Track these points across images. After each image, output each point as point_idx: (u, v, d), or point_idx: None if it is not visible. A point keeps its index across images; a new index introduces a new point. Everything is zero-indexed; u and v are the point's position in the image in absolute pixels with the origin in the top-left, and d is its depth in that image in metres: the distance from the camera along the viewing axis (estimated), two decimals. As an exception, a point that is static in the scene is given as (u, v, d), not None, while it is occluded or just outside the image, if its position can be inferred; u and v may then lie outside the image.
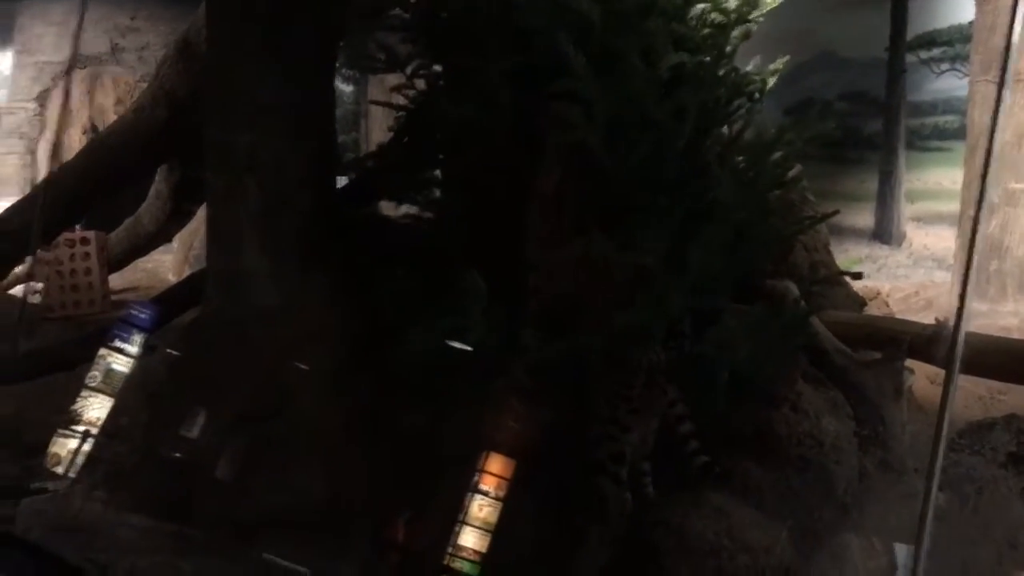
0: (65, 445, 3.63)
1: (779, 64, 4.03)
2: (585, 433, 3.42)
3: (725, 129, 4.03)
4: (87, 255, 7.14)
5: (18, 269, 6.51)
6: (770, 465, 3.59)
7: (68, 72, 9.31)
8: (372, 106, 9.53)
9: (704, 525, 3.12)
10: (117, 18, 11.15)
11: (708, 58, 3.81)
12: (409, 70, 4.19)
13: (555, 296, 3.63)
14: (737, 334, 3.44)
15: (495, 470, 3.30)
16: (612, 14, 3.58)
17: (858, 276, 4.82)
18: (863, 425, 3.52)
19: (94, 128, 9.46)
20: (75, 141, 9.18)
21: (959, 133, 8.12)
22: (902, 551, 3.09)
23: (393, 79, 4.37)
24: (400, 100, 4.38)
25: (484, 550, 3.24)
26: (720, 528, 3.11)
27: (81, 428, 3.64)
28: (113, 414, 3.69)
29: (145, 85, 7.01)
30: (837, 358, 3.70)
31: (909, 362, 3.75)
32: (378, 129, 9.19)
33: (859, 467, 3.50)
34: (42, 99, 9.89)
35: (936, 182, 8.61)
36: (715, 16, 3.97)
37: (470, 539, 3.25)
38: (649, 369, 3.39)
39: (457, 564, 3.23)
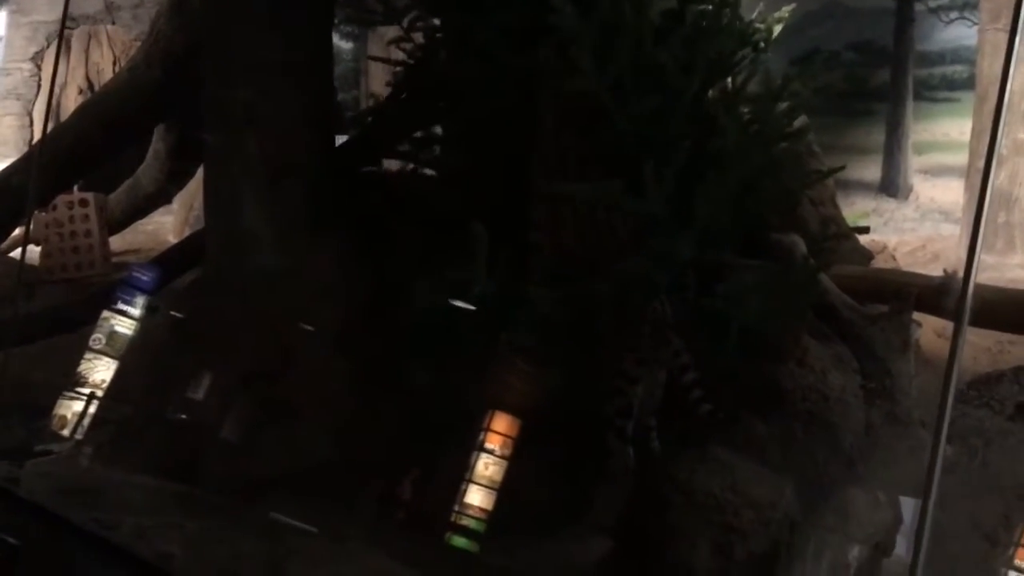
0: (70, 407, 3.66)
1: (784, 13, 3.95)
2: (592, 388, 3.40)
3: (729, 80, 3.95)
4: (87, 217, 7.10)
5: (17, 231, 6.46)
6: (775, 420, 3.56)
7: (62, 31, 9.18)
8: (372, 63, 9.41)
9: (710, 480, 3.11)
10: (111, -25, 11.01)
11: (711, 5, 3.73)
12: (406, 23, 4.11)
13: (559, 248, 3.59)
14: (748, 289, 3.40)
15: (501, 428, 3.31)
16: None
17: (864, 230, 4.78)
18: (870, 379, 3.49)
19: (91, 88, 9.36)
20: (72, 101, 9.09)
21: (968, 83, 8.00)
22: (908, 504, 3.09)
23: (392, 34, 4.30)
24: (398, 55, 4.31)
25: (490, 508, 3.25)
26: (725, 483, 3.09)
27: (86, 390, 3.66)
28: (117, 376, 3.71)
29: (140, 43, 6.92)
30: (844, 312, 3.66)
31: (916, 315, 3.72)
32: (378, 86, 9.08)
33: (866, 421, 3.48)
34: (38, 59, 9.78)
35: (944, 133, 8.50)
36: (719, -38, 3.87)
37: (476, 497, 3.27)
38: (655, 320, 3.37)
39: (464, 522, 3.24)
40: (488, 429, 3.30)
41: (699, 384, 3.31)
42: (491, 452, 3.29)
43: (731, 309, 3.38)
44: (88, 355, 3.72)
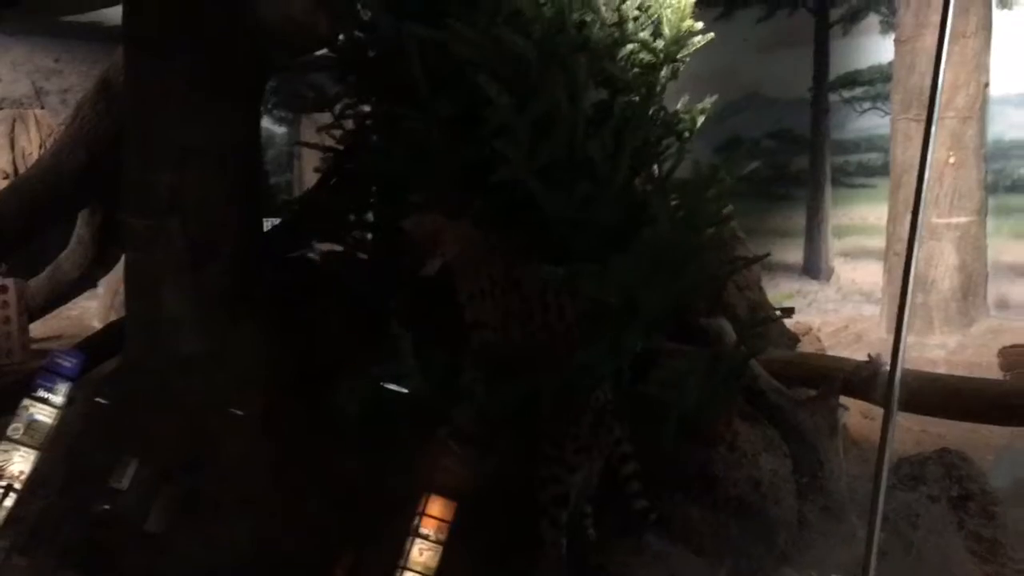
0: (-18, 502, 3.47)
1: (707, 103, 4.06)
2: (529, 474, 3.35)
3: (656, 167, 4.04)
4: (5, 303, 6.89)
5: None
6: (708, 506, 3.56)
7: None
8: (305, 148, 9.43)
9: (644, 572, 3.07)
10: (40, 60, 10.91)
11: (637, 97, 3.82)
12: (337, 110, 4.12)
13: (494, 339, 3.57)
14: (684, 374, 3.41)
15: (436, 513, 3.22)
16: (544, 52, 3.57)
17: (790, 312, 4.86)
18: (800, 464, 3.51)
19: (16, 172, 9.16)
20: (-6, 186, 8.88)
21: (883, 170, 8.35)
22: (841, 588, 3.08)
23: (325, 119, 4.31)
24: (329, 141, 4.32)
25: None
26: (660, 574, 3.05)
27: (3, 483, 3.48)
28: (36, 467, 3.54)
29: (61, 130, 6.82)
30: (772, 396, 3.70)
31: (843, 399, 3.77)
32: (311, 171, 9.09)
33: (798, 507, 3.49)
34: (-40, 142, 9.58)
35: (862, 218, 8.81)
36: (644, 56, 3.99)
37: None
38: (597, 408, 3.35)
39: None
40: (423, 514, 3.22)
41: (638, 476, 3.28)
42: (426, 537, 3.20)
43: (668, 395, 3.38)
44: (5, 445, 3.55)
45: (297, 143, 6.71)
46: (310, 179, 7.23)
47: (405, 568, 3.15)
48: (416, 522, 3.19)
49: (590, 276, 3.45)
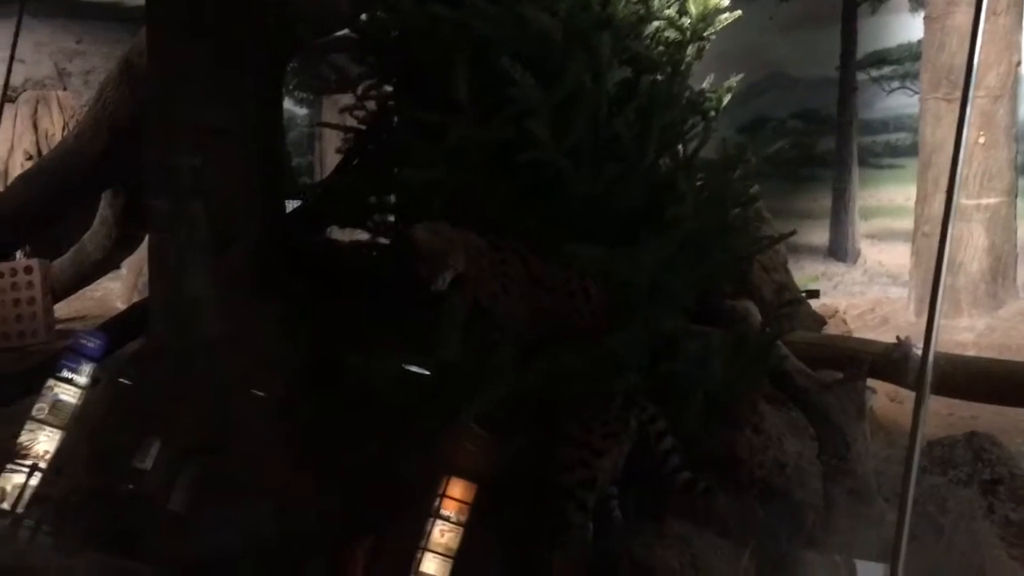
0: (10, 480, 3.51)
1: (733, 82, 4.01)
2: (553, 458, 3.33)
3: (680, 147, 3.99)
4: (30, 284, 6.94)
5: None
6: (733, 490, 3.54)
7: (5, 97, 9.07)
8: (327, 130, 9.43)
9: (668, 555, 3.05)
10: (62, 42, 10.97)
11: (663, 76, 3.77)
12: (360, 91, 4.10)
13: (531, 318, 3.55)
14: (710, 353, 3.38)
15: (457, 495, 3.23)
16: (569, 31, 3.53)
17: (816, 294, 4.82)
18: (827, 447, 3.47)
19: (39, 153, 9.22)
20: (19, 167, 8.94)
21: (911, 150, 8.23)
22: (865, 569, 3.05)
23: (346, 100, 4.29)
24: (351, 122, 4.29)
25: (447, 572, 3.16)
26: (684, 558, 3.04)
27: (28, 462, 3.52)
28: (61, 447, 3.58)
29: (88, 109, 6.85)
30: (799, 379, 3.66)
31: (870, 381, 3.72)
32: (333, 152, 9.08)
33: (823, 490, 3.45)
34: (-17, 123, 9.64)
35: (889, 199, 8.71)
36: (670, 34, 3.94)
37: (431, 565, 3.18)
38: (626, 391, 3.33)
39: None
40: (444, 495, 3.23)
41: (677, 450, 3.25)
42: (447, 519, 3.21)
43: (693, 374, 3.35)
44: (30, 425, 3.59)
45: (319, 123, 6.68)
46: (331, 161, 7.22)
47: (426, 549, 3.17)
48: (437, 504, 3.20)
49: (621, 258, 3.42)
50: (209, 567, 3.31)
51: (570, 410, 3.36)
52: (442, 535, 3.19)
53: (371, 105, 4.13)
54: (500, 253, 3.45)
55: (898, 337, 3.99)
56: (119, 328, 4.72)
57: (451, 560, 3.18)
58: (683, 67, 3.89)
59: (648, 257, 3.44)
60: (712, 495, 3.27)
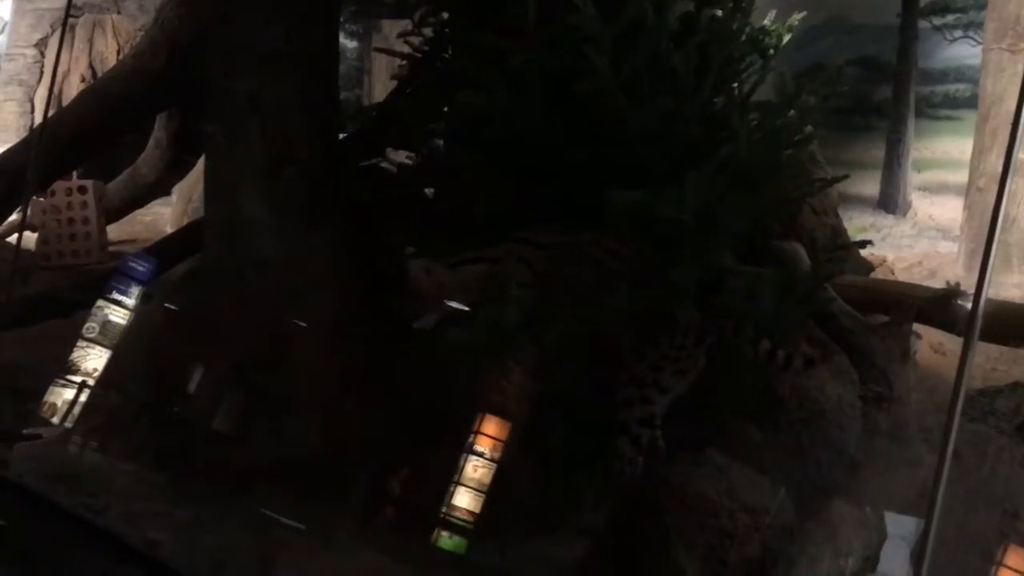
0: (60, 395, 3.64)
1: (796, 20, 3.95)
2: (616, 395, 3.39)
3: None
4: (85, 204, 7.07)
5: (14, 216, 6.42)
6: (771, 427, 3.56)
7: (67, 19, 9.15)
8: (375, 63, 9.40)
9: (704, 484, 3.10)
10: (119, -35, 10.97)
11: (723, 12, 3.72)
12: (417, 17, 4.09)
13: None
14: (761, 291, 3.39)
15: (492, 431, 3.28)
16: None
17: (864, 244, 4.77)
18: (868, 388, 3.48)
19: (94, 76, 9.30)
20: (74, 89, 9.02)
21: (970, 102, 8.01)
22: (893, 521, 3.06)
23: (398, 31, 4.28)
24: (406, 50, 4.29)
25: (482, 506, 3.23)
26: (720, 487, 3.08)
27: (77, 378, 3.63)
28: (109, 365, 3.68)
29: (144, 32, 6.89)
30: (844, 321, 3.65)
31: (916, 327, 3.71)
32: (381, 86, 9.07)
33: (862, 431, 3.47)
34: (41, 46, 9.73)
35: (944, 151, 8.50)
36: (732, -32, 3.87)
37: (467, 496, 3.25)
38: (698, 326, 3.36)
39: (454, 520, 3.22)
40: (478, 432, 3.28)
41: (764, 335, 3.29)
42: (481, 455, 3.27)
43: (742, 310, 3.36)
44: (80, 343, 3.70)
45: (376, 49, 6.64)
46: (379, 96, 7.21)
47: (459, 484, 3.24)
48: (471, 439, 3.26)
49: (663, 198, 3.41)
50: (254, 482, 3.40)
51: (637, 350, 3.39)
52: (475, 470, 3.25)
53: (427, 32, 4.13)
54: (498, 265, 3.52)
55: (947, 283, 3.96)
56: (167, 251, 4.83)
57: (487, 491, 3.24)
58: (744, 2, 3.83)
59: (695, 194, 3.43)
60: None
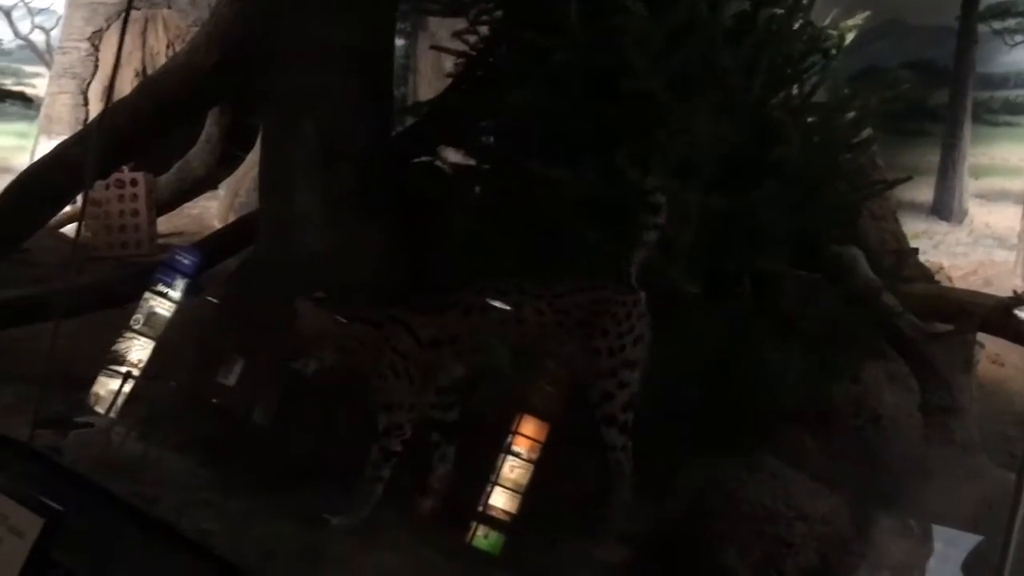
0: (106, 385, 3.68)
1: (859, 19, 3.87)
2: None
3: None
4: (135, 196, 7.17)
5: (67, 209, 6.51)
6: (825, 434, 3.51)
7: (121, 13, 9.27)
8: (421, 62, 9.42)
9: (760, 490, 3.05)
10: (173, -38, 11.10)
11: (783, 10, 3.67)
12: (472, 15, 4.08)
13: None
14: (816, 297, 3.34)
15: (530, 433, 3.25)
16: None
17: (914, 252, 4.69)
18: (931, 398, 3.40)
19: (146, 71, 9.41)
20: (127, 84, 9.13)
21: (1030, 108, 7.87)
22: (942, 535, 2.98)
23: (445, 30, 4.27)
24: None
25: (527, 505, 3.22)
26: (777, 494, 3.03)
27: (123, 368, 3.67)
28: (155, 356, 3.71)
29: (197, 30, 6.95)
30: (906, 328, 3.57)
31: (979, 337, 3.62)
32: (426, 84, 9.08)
33: (922, 442, 3.40)
34: (95, 39, 9.85)
35: (1003, 158, 8.32)
36: (792, -34, 3.81)
37: (506, 497, 3.24)
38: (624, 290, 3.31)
39: (493, 514, 3.21)
40: (517, 432, 3.25)
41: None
42: (517, 455, 3.25)
43: (795, 311, 3.32)
44: (127, 334, 3.74)
45: (432, 47, 6.63)
46: (424, 95, 7.21)
47: (496, 484, 3.23)
48: (510, 440, 3.24)
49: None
50: (302, 476, 3.40)
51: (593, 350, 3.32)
52: (511, 471, 3.23)
53: (483, 30, 4.12)
54: (382, 331, 3.38)
55: (1014, 291, 3.86)
56: (214, 246, 4.86)
57: (530, 490, 3.23)
58: (805, 1, 3.77)
59: (745, 198, 3.38)
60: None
